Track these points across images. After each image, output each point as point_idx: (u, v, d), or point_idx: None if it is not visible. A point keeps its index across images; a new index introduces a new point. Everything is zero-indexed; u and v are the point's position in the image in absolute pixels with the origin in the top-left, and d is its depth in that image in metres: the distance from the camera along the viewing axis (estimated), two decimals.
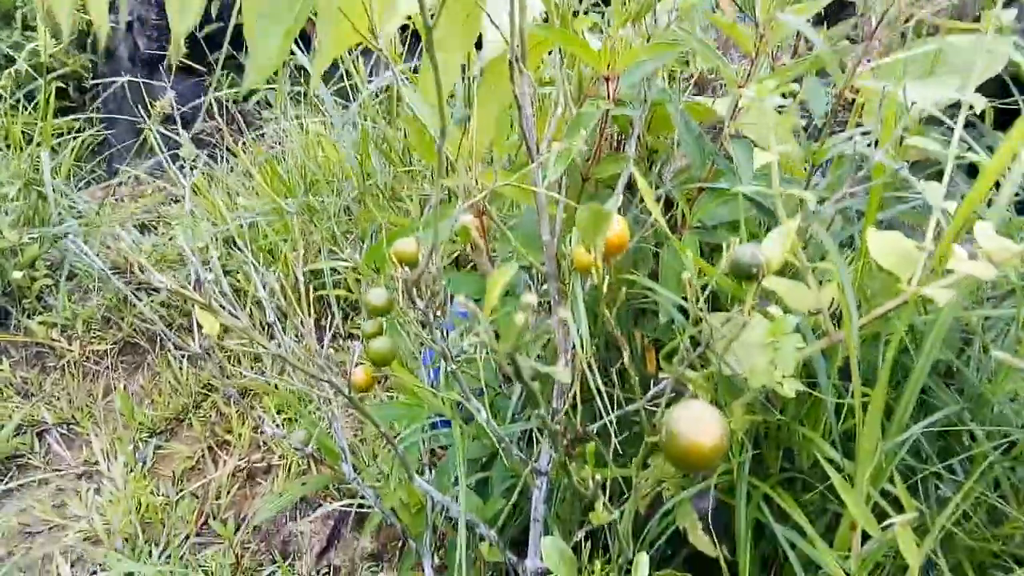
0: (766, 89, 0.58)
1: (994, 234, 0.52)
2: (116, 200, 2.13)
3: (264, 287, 0.86)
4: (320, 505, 1.32)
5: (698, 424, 0.35)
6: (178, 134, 2.06)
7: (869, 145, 0.70)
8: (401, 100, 1.60)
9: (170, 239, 1.93)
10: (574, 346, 0.77)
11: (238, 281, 1.74)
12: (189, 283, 1.75)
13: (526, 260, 0.83)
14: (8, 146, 1.93)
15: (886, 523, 0.60)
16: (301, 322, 0.63)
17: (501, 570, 1.11)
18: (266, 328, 1.64)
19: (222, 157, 2.26)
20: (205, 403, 1.56)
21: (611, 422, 0.77)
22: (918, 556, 0.57)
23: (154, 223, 2.09)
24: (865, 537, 0.69)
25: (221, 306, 0.57)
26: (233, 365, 1.62)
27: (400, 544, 1.22)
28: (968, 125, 1.21)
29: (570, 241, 0.75)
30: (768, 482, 0.74)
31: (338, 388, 0.64)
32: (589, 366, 0.70)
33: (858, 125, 0.76)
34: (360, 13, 0.89)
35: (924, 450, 0.74)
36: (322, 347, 0.65)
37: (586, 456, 0.77)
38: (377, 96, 1.97)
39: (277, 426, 1.47)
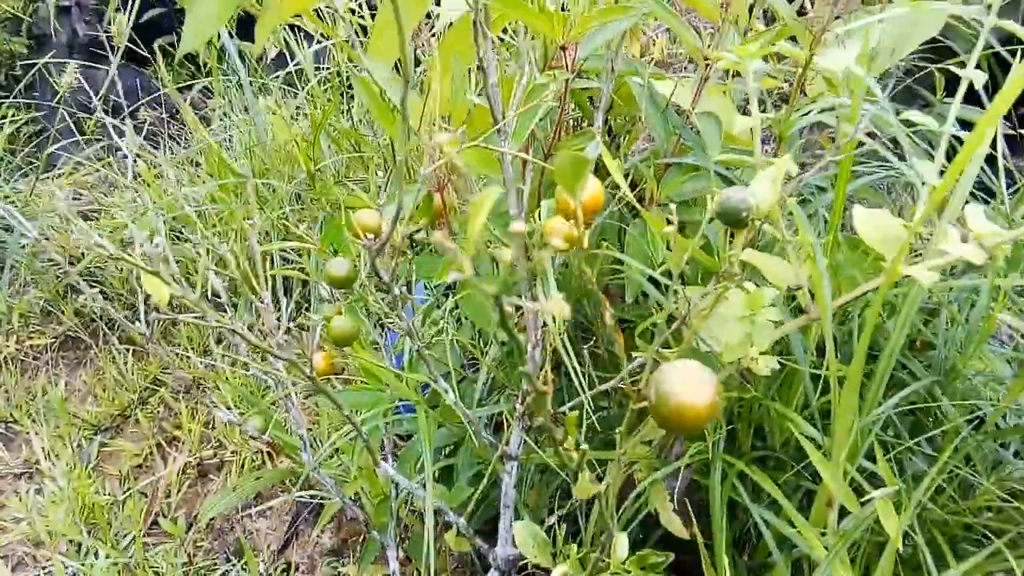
0: (747, 52, 0.56)
1: (984, 218, 0.51)
2: (55, 190, 2.04)
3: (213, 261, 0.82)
4: (276, 499, 1.28)
5: (690, 383, 0.32)
6: (122, 123, 1.98)
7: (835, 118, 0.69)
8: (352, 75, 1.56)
9: (113, 229, 1.85)
10: (544, 324, 0.75)
11: (188, 270, 1.67)
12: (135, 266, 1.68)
13: (490, 237, 0.80)
14: None
15: (866, 498, 0.59)
16: (259, 298, 0.60)
17: (466, 561, 1.08)
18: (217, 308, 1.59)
19: (166, 146, 2.19)
20: (152, 398, 1.49)
21: (585, 402, 0.75)
22: (896, 527, 0.57)
23: (96, 213, 2.01)
24: (842, 514, 0.69)
25: (172, 277, 0.53)
26: (181, 357, 1.56)
27: (361, 538, 1.19)
28: (916, 97, 1.22)
29: (538, 216, 0.73)
30: (742, 460, 0.73)
31: (299, 367, 0.61)
32: (563, 344, 0.67)
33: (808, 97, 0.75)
34: None
35: (895, 426, 0.73)
36: (280, 324, 0.62)
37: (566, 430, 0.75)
38: (324, 85, 1.92)
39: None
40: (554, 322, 0.68)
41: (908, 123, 0.60)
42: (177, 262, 1.71)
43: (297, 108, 2.07)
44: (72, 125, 2.40)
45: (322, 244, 0.94)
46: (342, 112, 1.89)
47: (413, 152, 1.21)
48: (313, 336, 0.67)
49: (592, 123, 0.79)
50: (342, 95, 1.84)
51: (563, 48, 0.66)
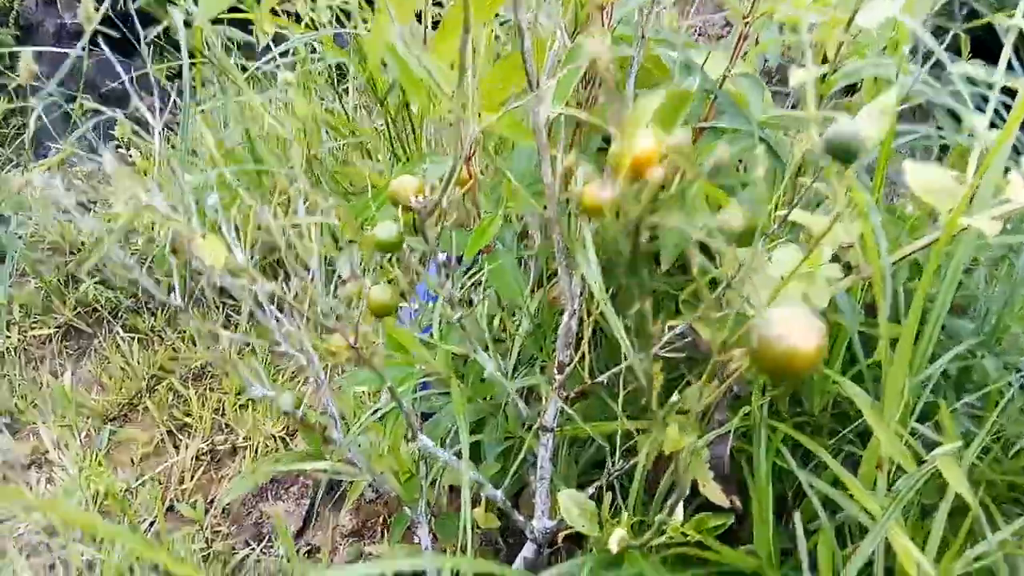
0: (803, 1, 0.55)
1: None
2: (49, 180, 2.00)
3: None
4: (293, 485, 1.26)
5: (796, 327, 0.31)
6: (111, 110, 1.95)
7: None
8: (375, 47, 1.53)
9: (109, 217, 1.82)
10: (582, 293, 0.73)
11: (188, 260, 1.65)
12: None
13: (520, 206, 0.79)
14: None
15: (932, 453, 0.58)
16: (305, 265, 0.58)
17: (490, 539, 1.07)
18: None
19: (161, 135, 2.15)
20: (160, 386, 1.47)
21: (623, 372, 0.74)
22: (966, 486, 0.56)
23: (92, 203, 1.98)
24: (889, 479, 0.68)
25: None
26: (189, 345, 1.54)
27: (381, 520, 1.18)
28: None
29: (575, 180, 0.72)
30: (784, 426, 0.72)
31: (344, 335, 0.59)
32: (601, 314, 0.66)
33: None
34: None
35: (940, 387, 0.73)
36: (331, 289, 0.60)
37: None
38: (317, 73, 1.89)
39: (244, 402, 1.41)
40: (590, 296, 0.66)
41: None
42: (175, 252, 1.69)
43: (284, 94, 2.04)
44: (62, 115, 2.36)
45: (350, 219, 0.92)
46: (337, 99, 1.87)
47: (439, 120, 1.19)
48: (357, 307, 0.65)
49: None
50: (334, 83, 1.81)
51: (600, 8, 0.65)
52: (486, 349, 0.89)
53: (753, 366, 0.33)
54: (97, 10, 2.02)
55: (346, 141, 1.77)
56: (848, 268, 0.64)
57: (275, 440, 1.34)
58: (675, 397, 0.66)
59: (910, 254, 0.59)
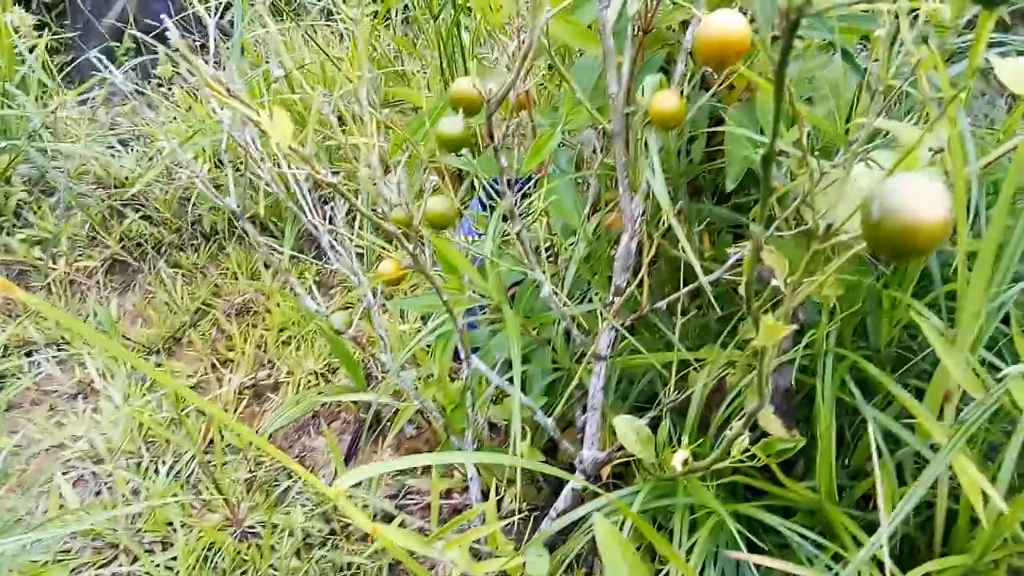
0: None
1: None
2: (92, 112, 2.00)
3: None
4: (334, 420, 1.26)
5: (922, 195, 0.28)
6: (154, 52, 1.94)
7: None
8: None
9: (152, 155, 1.82)
10: (644, 212, 0.70)
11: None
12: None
13: (583, 120, 0.76)
14: None
15: (1002, 374, 0.55)
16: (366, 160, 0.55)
17: (533, 478, 1.06)
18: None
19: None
20: (203, 321, 1.48)
21: (681, 300, 0.71)
22: None
23: (133, 138, 1.97)
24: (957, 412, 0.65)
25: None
26: (231, 281, 1.54)
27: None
28: None
29: (641, 92, 0.68)
30: (853, 354, 0.69)
31: (409, 228, 0.57)
32: (666, 232, 0.63)
33: None
34: None
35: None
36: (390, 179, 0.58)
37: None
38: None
39: (286, 338, 1.41)
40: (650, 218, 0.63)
41: None
42: (218, 187, 1.68)
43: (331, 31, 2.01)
44: (105, 49, 2.35)
45: (409, 133, 0.89)
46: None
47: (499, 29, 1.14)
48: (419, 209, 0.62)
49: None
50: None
51: None
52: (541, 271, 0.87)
53: (871, 242, 0.30)
54: None
55: (390, 69, 1.74)
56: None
57: (316, 376, 1.33)
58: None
59: (997, 158, 0.55)
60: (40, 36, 1.87)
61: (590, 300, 0.82)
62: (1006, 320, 0.64)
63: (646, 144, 0.67)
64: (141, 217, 1.64)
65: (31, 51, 1.76)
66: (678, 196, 0.79)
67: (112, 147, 1.80)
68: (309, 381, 1.33)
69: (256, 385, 1.34)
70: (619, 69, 0.67)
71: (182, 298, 1.51)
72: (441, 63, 1.29)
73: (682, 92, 0.67)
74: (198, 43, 2.37)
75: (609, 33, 0.66)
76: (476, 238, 1.05)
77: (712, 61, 0.47)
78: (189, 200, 1.65)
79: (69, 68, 2.27)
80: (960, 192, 0.56)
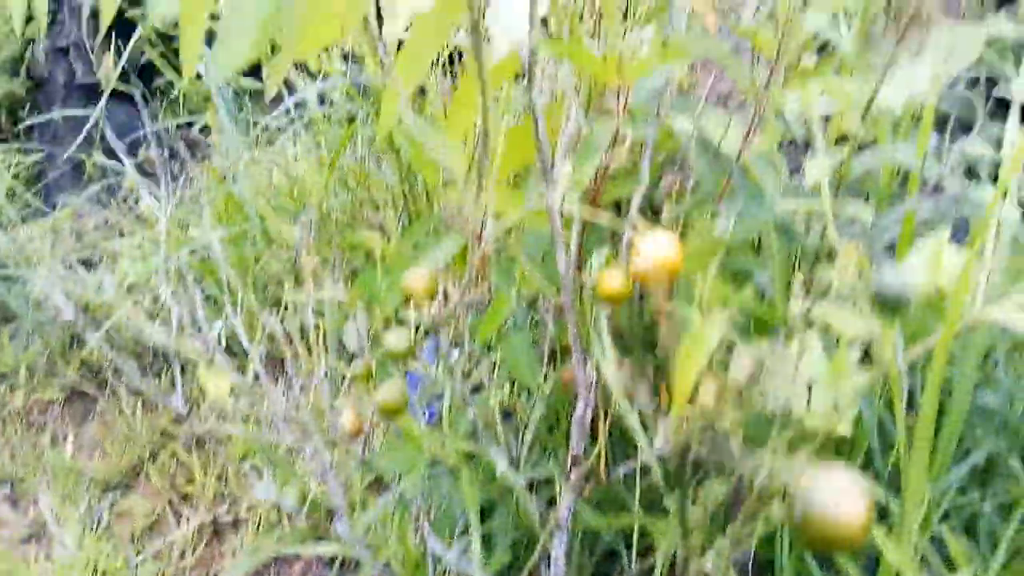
0: (812, 95, 0.53)
1: None
2: (54, 235, 1.99)
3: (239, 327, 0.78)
4: (296, 564, 1.22)
5: (842, 498, 0.28)
6: (120, 163, 1.96)
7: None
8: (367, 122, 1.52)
9: (118, 274, 1.81)
10: (596, 382, 0.70)
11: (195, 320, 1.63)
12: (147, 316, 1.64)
13: (532, 288, 0.76)
14: None
15: None
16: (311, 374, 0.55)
17: None
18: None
19: (168, 187, 2.15)
20: (163, 452, 1.44)
21: (640, 467, 0.71)
22: None
23: (98, 259, 1.97)
24: None
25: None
26: (196, 408, 1.52)
27: None
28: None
29: (589, 269, 0.69)
30: None
31: (346, 449, 0.56)
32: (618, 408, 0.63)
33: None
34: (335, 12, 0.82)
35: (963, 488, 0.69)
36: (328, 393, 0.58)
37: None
38: (328, 119, 1.88)
39: (251, 476, 1.37)
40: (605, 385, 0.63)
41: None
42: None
43: (294, 144, 2.04)
44: (71, 167, 2.36)
45: (353, 296, 0.90)
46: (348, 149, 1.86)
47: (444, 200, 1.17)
48: (356, 404, 0.63)
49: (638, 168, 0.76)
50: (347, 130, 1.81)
51: (616, 91, 0.63)
52: (497, 441, 0.86)
53: (799, 537, 0.30)
54: (114, 66, 2.00)
55: (356, 196, 1.76)
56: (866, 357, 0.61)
57: (278, 512, 1.30)
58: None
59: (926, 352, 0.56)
60: (7, 166, 1.88)
61: (550, 456, 0.82)
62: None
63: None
64: (103, 342, 1.62)
65: None
66: (634, 351, 0.80)
67: (73, 268, 1.79)
68: (270, 518, 1.29)
69: (216, 522, 1.30)
70: (567, 248, 0.68)
71: (142, 428, 1.47)
72: (404, 196, 1.31)
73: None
74: (166, 155, 2.40)
75: (556, 216, 0.67)
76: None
77: (646, 281, 0.48)
78: (153, 322, 1.64)
79: (38, 187, 2.28)
80: (893, 376, 0.57)
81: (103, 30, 0.69)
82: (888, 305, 0.35)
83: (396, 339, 0.54)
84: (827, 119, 0.69)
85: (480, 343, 0.72)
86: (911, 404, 0.66)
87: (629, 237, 0.57)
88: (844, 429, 0.56)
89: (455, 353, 0.60)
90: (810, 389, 0.55)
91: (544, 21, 0.79)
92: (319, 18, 0.82)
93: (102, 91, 2.57)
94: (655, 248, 0.48)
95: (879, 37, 0.64)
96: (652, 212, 0.83)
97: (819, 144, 0.49)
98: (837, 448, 0.67)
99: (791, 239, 0.72)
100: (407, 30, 0.80)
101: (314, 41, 0.88)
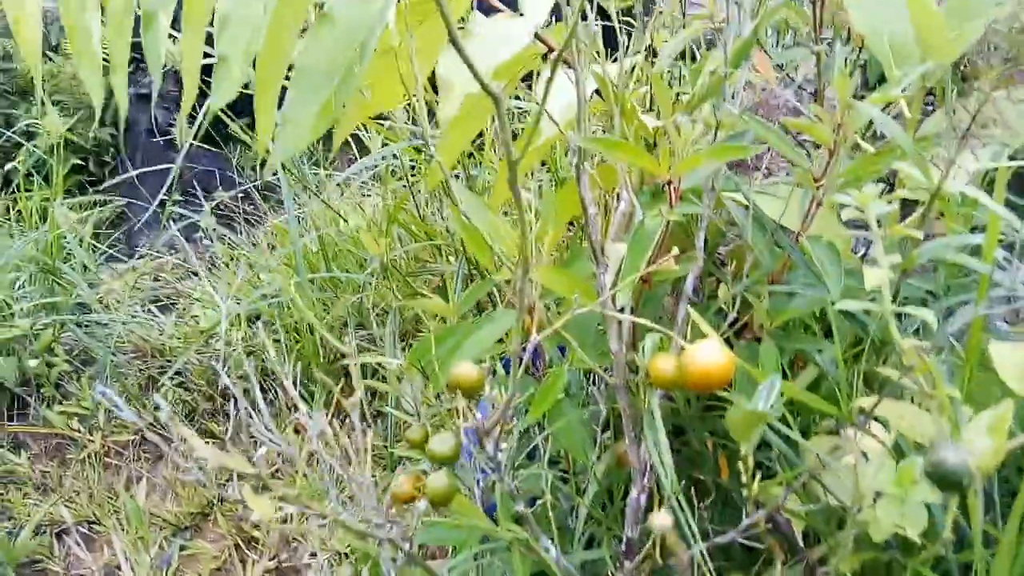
0: (869, 196, 0.51)
1: None
2: (136, 277, 2.08)
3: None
4: None
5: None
6: (199, 207, 2.04)
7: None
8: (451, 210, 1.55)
9: (192, 317, 1.88)
10: (652, 466, 0.70)
11: (263, 363, 1.68)
12: (212, 365, 1.70)
13: (582, 363, 0.76)
14: (21, 227, 1.89)
15: None
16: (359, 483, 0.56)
17: None
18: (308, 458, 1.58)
19: (242, 230, 2.23)
20: (231, 492, 1.48)
21: (701, 553, 0.69)
22: None
23: (174, 299, 2.05)
24: None
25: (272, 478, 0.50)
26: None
27: None
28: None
29: (642, 350, 0.68)
30: None
31: (396, 545, 0.57)
32: (676, 500, 0.62)
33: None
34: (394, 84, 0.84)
35: None
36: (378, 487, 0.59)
37: None
38: (394, 172, 1.92)
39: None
40: (665, 474, 0.63)
41: None
42: (250, 354, 1.72)
43: (363, 195, 2.09)
44: (153, 212, 2.47)
45: (410, 363, 0.91)
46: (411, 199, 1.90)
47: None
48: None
49: (692, 243, 0.75)
50: (407, 186, 1.84)
51: (667, 182, 0.62)
52: (547, 525, 0.86)
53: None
54: (192, 120, 2.09)
55: (420, 244, 1.79)
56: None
57: (340, 557, 1.32)
58: None
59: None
60: (89, 212, 1.98)
61: (605, 534, 0.81)
62: None
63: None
64: (176, 385, 1.68)
65: (79, 239, 1.86)
66: (689, 432, 0.79)
67: (152, 311, 1.86)
68: (333, 563, 1.31)
69: (279, 568, 1.33)
70: (619, 327, 0.68)
71: (212, 470, 1.52)
72: (464, 245, 1.32)
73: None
74: (241, 200, 2.48)
75: (608, 296, 0.67)
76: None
77: (695, 388, 0.48)
78: (224, 365, 1.70)
79: (120, 231, 2.37)
80: (973, 496, 0.55)
81: (184, 112, 0.72)
82: (945, 484, 0.34)
83: (441, 444, 0.55)
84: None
85: (531, 419, 0.72)
86: (989, 506, 0.63)
87: (678, 346, 0.57)
88: (912, 535, 0.54)
89: (501, 446, 0.61)
90: (877, 495, 0.54)
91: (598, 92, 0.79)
92: (376, 95, 0.84)
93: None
94: (704, 358, 0.48)
95: (943, 128, 0.62)
96: (707, 295, 0.82)
97: (877, 248, 0.48)
98: (903, 545, 0.65)
99: (855, 321, 0.70)
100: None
101: (372, 110, 0.90)
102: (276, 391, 1.70)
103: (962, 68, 0.74)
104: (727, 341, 0.76)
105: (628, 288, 0.59)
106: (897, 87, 0.62)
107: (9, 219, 1.99)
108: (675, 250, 0.49)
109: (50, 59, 2.67)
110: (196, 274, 2.13)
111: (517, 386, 0.51)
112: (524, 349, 0.59)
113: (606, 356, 0.72)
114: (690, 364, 0.48)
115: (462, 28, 0.81)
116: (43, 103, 2.52)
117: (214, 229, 2.17)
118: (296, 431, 1.62)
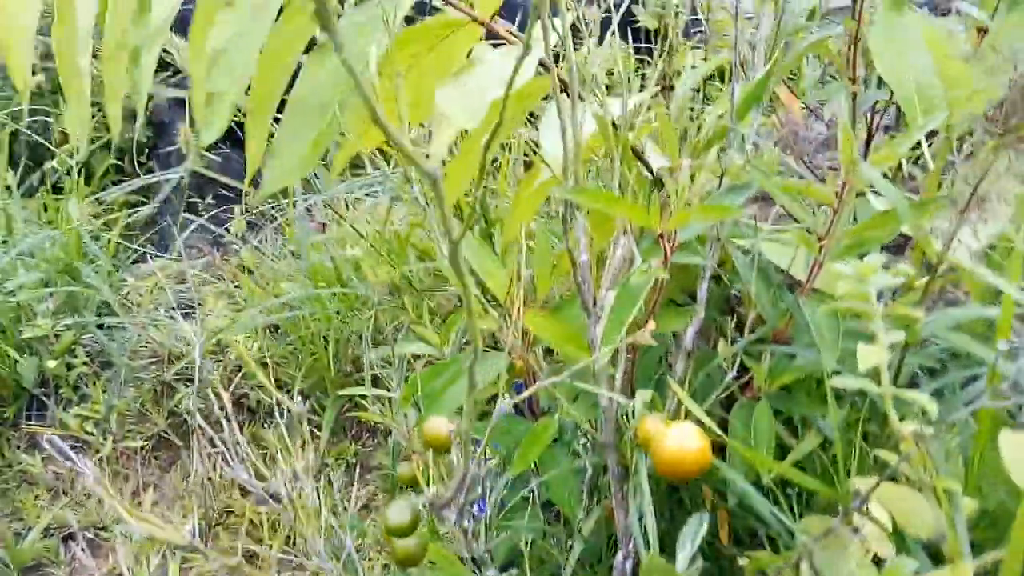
0: (871, 268, 0.47)
1: None
2: (158, 280, 2.10)
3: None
4: None
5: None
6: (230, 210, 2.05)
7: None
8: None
9: (210, 322, 1.88)
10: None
11: (279, 372, 1.68)
12: (227, 376, 1.70)
13: (572, 416, 0.73)
14: (52, 227, 1.92)
15: None
16: None
17: None
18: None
19: (267, 237, 2.23)
20: (236, 506, 1.48)
21: None
22: None
23: (199, 302, 2.05)
24: None
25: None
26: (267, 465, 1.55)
27: None
28: None
29: (631, 412, 0.65)
30: None
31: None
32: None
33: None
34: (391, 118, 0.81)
35: None
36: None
37: None
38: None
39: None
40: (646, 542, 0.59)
41: None
42: (263, 366, 1.71)
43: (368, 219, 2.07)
44: (186, 209, 2.48)
45: (405, 397, 0.89)
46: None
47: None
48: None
49: (693, 294, 0.71)
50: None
51: (661, 235, 0.59)
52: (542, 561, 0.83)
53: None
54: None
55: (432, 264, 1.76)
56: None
57: None
58: None
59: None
60: (119, 213, 2.00)
61: None
62: None
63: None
64: (191, 392, 1.68)
65: (96, 239, 1.88)
66: (682, 489, 0.75)
67: (172, 315, 1.87)
68: None
69: None
70: (611, 383, 0.65)
71: (220, 480, 1.52)
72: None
73: (677, 410, 0.64)
74: (272, 205, 2.49)
75: (598, 347, 0.64)
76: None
77: (669, 475, 0.44)
78: (239, 372, 1.70)
79: (149, 233, 2.39)
80: None
81: (182, 138, 0.71)
82: None
83: (398, 515, 0.52)
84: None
85: (515, 472, 0.69)
86: None
87: (656, 429, 0.53)
88: None
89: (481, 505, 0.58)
90: None
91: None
92: (372, 129, 0.81)
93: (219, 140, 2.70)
94: (680, 442, 0.45)
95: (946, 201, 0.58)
96: (711, 344, 0.78)
97: (877, 326, 0.44)
98: None
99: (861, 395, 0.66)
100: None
101: (369, 142, 0.87)
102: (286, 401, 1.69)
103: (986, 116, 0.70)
104: (728, 398, 0.72)
105: (612, 346, 0.56)
106: (912, 140, 0.58)
107: (42, 219, 2.02)
108: (651, 324, 0.46)
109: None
110: (220, 278, 2.14)
111: (469, 463, 0.48)
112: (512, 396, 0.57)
113: (598, 408, 0.69)
114: (661, 451, 0.45)
115: (468, 61, 0.79)
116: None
117: (242, 236, 2.18)
118: (303, 446, 1.61)
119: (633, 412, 0.64)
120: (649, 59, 1.61)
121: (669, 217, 0.56)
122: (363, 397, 1.62)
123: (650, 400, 0.63)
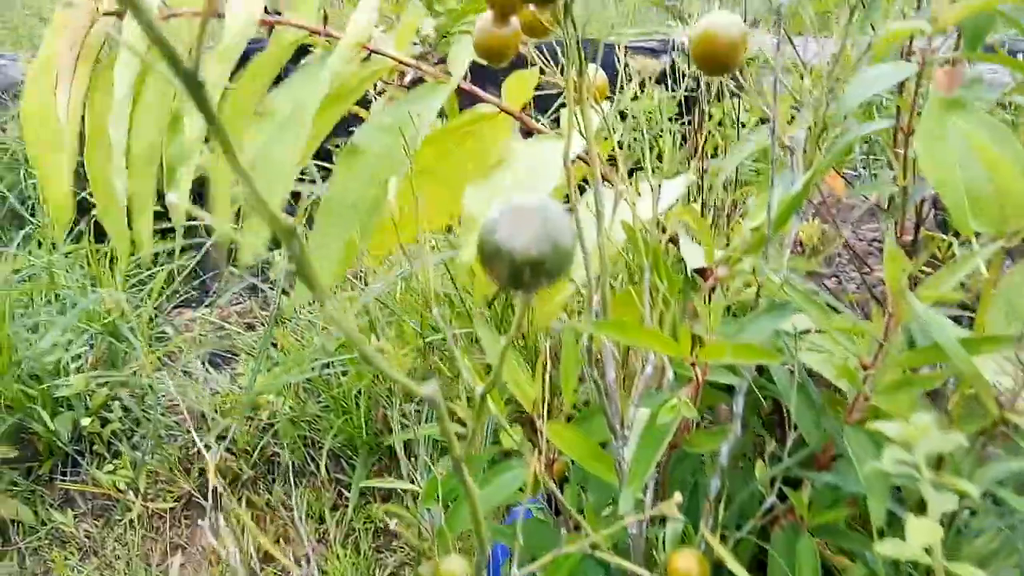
0: (919, 432, 0.43)
1: None
2: (196, 332, 2.11)
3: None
4: None
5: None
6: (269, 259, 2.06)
7: None
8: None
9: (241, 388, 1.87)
10: None
11: (310, 429, 1.66)
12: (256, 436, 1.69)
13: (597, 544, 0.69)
14: (94, 284, 1.94)
15: None
16: None
17: None
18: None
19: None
20: (263, 574, 1.46)
21: None
22: None
23: (234, 353, 2.05)
24: None
25: None
26: (294, 529, 1.53)
27: None
28: None
29: (661, 543, 0.61)
30: None
31: None
32: None
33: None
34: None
35: None
36: None
37: None
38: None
39: None
40: None
41: None
42: (293, 422, 1.70)
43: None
44: (228, 258, 2.50)
45: (427, 495, 0.86)
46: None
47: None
48: None
49: (730, 410, 0.67)
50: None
51: (692, 364, 0.55)
52: None
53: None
54: None
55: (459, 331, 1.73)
56: None
57: None
58: None
59: None
60: (164, 264, 2.03)
61: None
62: None
63: None
64: (224, 450, 1.67)
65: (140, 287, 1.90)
66: None
67: (208, 369, 1.87)
68: None
69: None
70: (639, 505, 0.61)
71: (249, 545, 1.50)
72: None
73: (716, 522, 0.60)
74: None
75: (626, 468, 0.60)
76: None
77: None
78: (270, 431, 1.69)
79: (199, 280, 2.39)
80: None
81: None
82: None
83: None
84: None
85: None
86: None
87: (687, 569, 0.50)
88: None
89: None
90: None
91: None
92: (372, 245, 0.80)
93: None
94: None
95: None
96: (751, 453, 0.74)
97: (929, 496, 0.40)
98: None
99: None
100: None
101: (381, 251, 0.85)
102: (317, 461, 1.68)
103: None
104: (768, 525, 0.67)
105: (637, 492, 0.52)
106: (966, 270, 0.54)
107: (87, 273, 2.04)
108: (677, 496, 0.42)
109: None
110: (253, 328, 2.15)
111: None
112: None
113: (626, 531, 0.65)
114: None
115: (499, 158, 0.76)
116: None
117: (283, 290, 2.18)
118: (334, 508, 1.59)
119: (663, 541, 0.60)
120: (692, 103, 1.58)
121: (700, 348, 0.52)
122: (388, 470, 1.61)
123: (679, 534, 0.59)
